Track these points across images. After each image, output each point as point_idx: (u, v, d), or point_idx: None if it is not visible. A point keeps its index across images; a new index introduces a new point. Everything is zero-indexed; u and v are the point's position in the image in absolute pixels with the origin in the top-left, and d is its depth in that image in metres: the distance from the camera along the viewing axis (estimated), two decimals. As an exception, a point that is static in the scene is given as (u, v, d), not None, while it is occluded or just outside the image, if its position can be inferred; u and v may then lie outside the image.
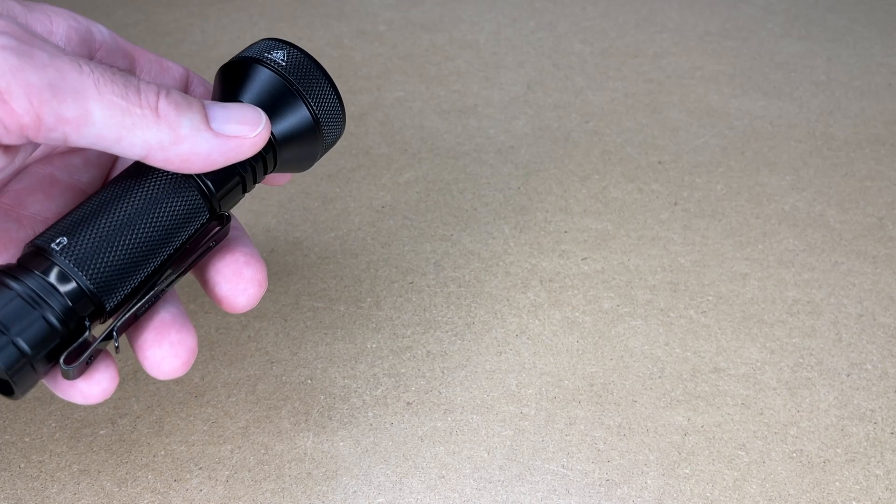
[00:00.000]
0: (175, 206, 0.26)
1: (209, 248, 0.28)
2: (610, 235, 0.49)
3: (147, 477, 0.35)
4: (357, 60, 0.69)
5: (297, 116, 0.29)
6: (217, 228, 0.28)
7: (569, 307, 0.44)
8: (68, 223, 0.25)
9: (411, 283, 0.45)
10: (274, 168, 0.29)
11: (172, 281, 0.27)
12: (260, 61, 0.28)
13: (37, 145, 0.26)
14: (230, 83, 0.29)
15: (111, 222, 0.25)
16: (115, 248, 0.25)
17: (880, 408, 0.38)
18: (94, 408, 0.38)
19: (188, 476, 0.35)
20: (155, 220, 0.26)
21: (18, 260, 0.24)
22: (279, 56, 0.28)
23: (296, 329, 0.42)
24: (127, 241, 0.25)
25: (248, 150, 0.26)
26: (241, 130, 0.26)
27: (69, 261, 0.24)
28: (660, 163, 0.56)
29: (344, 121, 0.30)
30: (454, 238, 0.49)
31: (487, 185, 0.53)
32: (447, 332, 0.42)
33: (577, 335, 0.42)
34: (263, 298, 0.44)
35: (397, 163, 0.55)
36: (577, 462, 0.36)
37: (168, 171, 0.26)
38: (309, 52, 0.30)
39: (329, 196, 0.52)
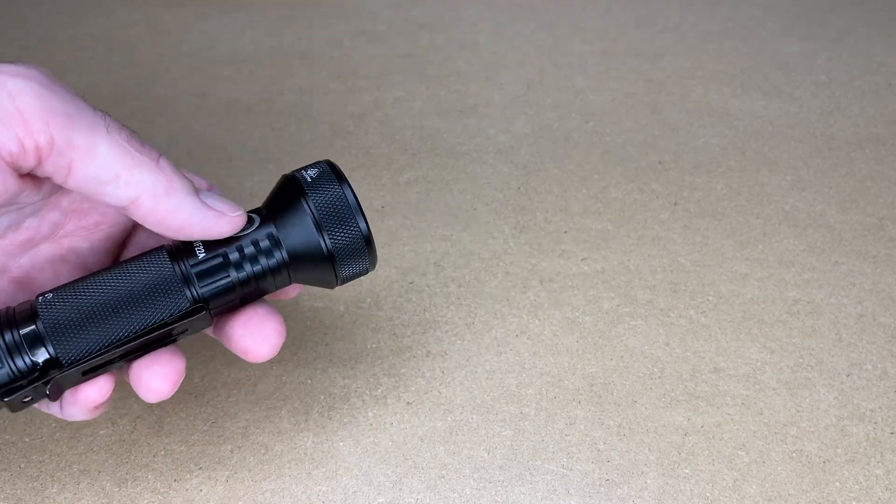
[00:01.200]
0: (159, 304, 0.28)
1: (183, 333, 0.29)
2: (610, 235, 0.49)
3: (147, 477, 0.35)
4: (357, 60, 0.69)
5: (314, 252, 0.30)
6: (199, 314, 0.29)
7: (569, 307, 0.44)
8: (58, 294, 0.28)
9: (411, 283, 0.45)
10: (288, 283, 0.31)
11: (133, 355, 0.29)
12: (302, 192, 0.30)
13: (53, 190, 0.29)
14: (278, 201, 0.30)
15: (90, 304, 0.28)
16: (88, 328, 0.28)
17: (880, 408, 0.38)
18: (94, 408, 0.38)
19: (188, 476, 0.35)
20: (133, 311, 0.28)
21: (16, 311, 0.28)
22: (316, 196, 0.30)
23: (296, 329, 0.42)
24: (104, 328, 0.28)
25: (226, 226, 0.28)
26: (224, 208, 0.28)
27: (46, 328, 0.27)
28: (660, 163, 0.56)
29: (371, 258, 0.31)
30: (454, 238, 0.49)
31: (487, 185, 0.53)
32: (447, 332, 0.42)
33: (577, 335, 0.42)
34: (263, 298, 0.44)
35: (397, 163, 0.55)
36: (577, 462, 0.36)
37: (158, 268, 0.28)
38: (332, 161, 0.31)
39: (329, 196, 0.52)
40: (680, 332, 0.42)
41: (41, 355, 0.27)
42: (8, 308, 0.28)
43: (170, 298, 0.28)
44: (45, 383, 0.27)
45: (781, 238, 0.49)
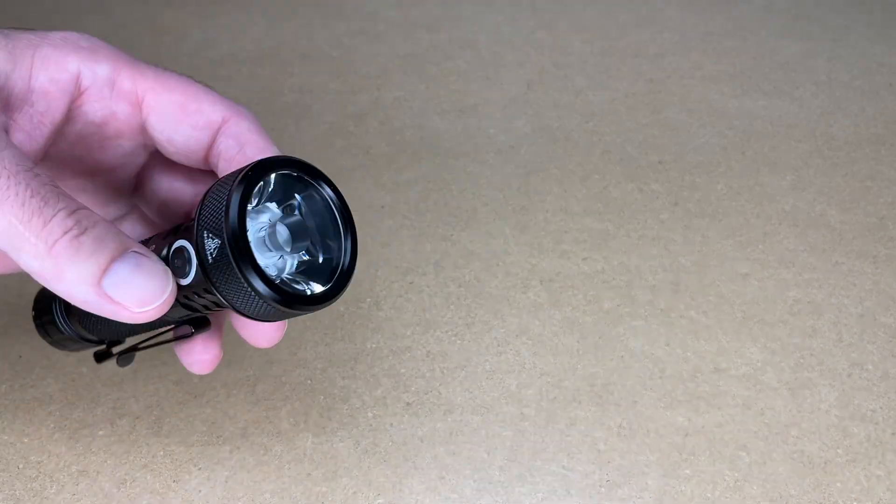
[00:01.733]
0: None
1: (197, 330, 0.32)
2: (610, 235, 0.49)
3: (146, 478, 0.35)
4: (357, 60, 0.69)
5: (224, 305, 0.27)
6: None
7: (569, 307, 0.44)
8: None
9: (411, 283, 0.45)
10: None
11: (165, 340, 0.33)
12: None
13: None
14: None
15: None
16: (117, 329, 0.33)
17: (881, 408, 0.38)
18: (93, 408, 0.38)
19: (187, 477, 0.35)
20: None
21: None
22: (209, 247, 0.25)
23: (295, 329, 0.42)
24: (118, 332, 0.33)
25: (126, 319, 0.25)
26: (128, 300, 0.25)
27: (88, 332, 0.34)
28: (660, 163, 0.56)
29: (287, 308, 0.26)
30: (454, 238, 0.49)
31: (487, 185, 0.53)
32: (447, 332, 0.42)
33: (578, 335, 0.42)
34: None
35: (397, 163, 0.55)
36: (577, 463, 0.36)
37: None
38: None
39: (329, 196, 0.52)
40: (680, 332, 0.42)
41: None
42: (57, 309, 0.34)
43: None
44: (117, 355, 0.33)
45: (782, 238, 0.49)
